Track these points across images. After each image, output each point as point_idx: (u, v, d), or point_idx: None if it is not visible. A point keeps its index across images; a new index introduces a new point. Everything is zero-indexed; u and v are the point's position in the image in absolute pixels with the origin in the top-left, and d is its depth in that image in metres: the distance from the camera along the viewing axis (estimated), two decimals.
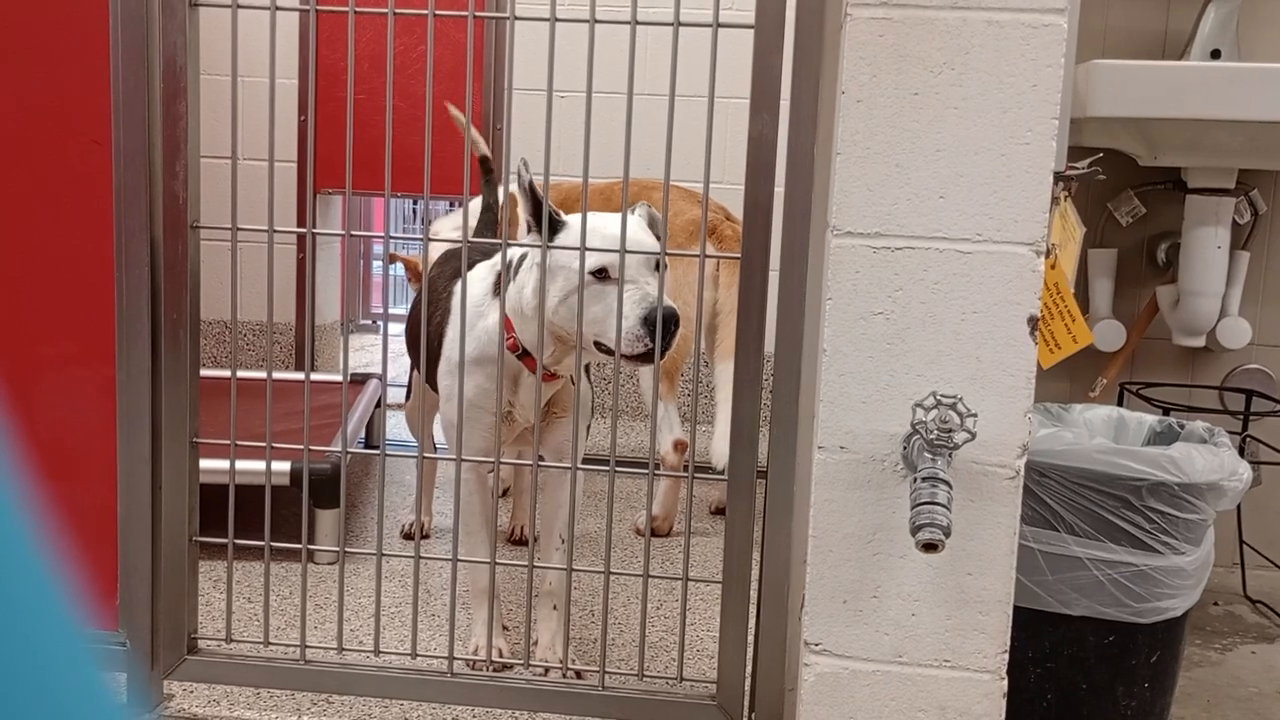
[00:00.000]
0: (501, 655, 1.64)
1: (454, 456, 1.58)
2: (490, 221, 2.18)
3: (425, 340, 1.66)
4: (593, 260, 1.48)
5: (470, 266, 1.71)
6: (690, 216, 2.33)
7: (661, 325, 1.45)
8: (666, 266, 1.54)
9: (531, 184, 1.49)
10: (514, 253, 1.62)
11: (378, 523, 1.56)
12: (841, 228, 1.23)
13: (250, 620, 1.79)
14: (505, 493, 2.46)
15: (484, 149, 2.16)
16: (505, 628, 1.77)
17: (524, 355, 1.62)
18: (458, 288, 1.64)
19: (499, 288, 1.60)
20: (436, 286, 1.79)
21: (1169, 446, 1.50)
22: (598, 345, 1.53)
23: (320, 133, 2.87)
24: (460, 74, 2.83)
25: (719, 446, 2.11)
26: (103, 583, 1.48)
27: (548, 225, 1.48)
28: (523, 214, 1.53)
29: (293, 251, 3.13)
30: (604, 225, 1.51)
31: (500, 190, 2.59)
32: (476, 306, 1.64)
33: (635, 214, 1.58)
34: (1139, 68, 1.90)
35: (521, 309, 1.58)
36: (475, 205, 2.55)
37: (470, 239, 1.49)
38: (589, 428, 1.90)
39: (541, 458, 1.62)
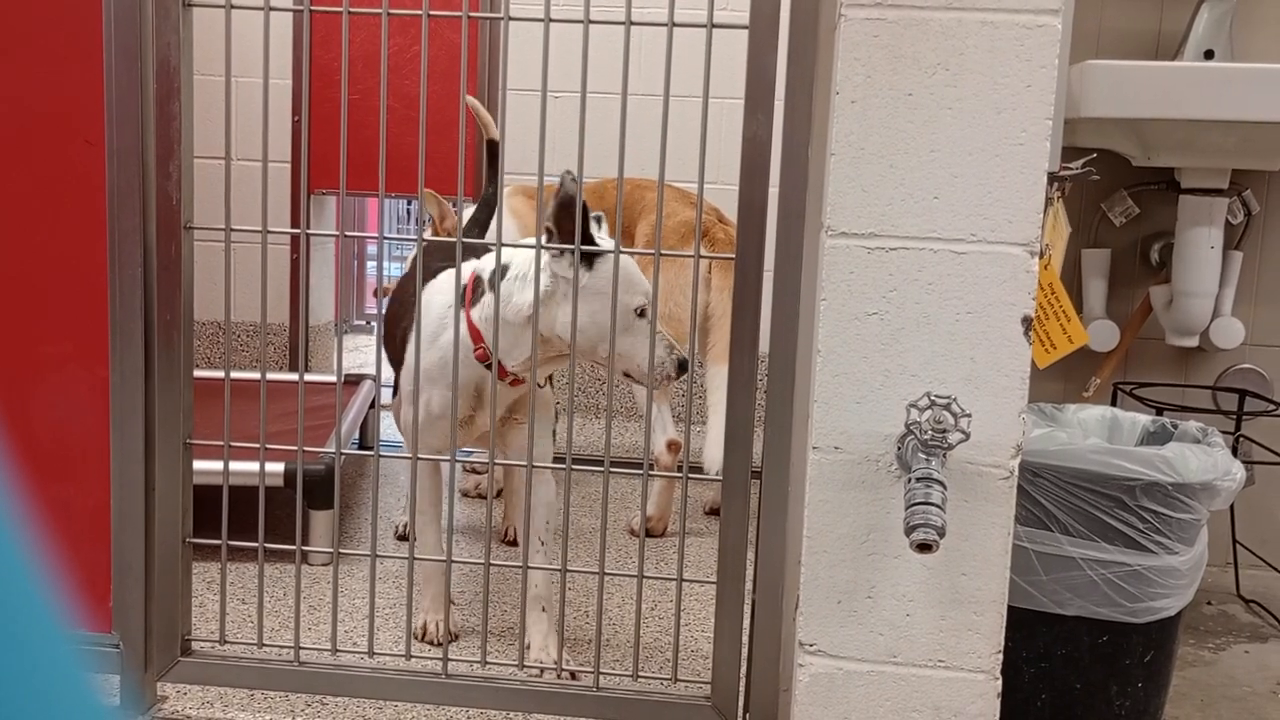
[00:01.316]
0: (448, 632, 1.66)
1: (442, 457, 1.57)
2: (486, 220, 2.16)
3: (383, 340, 1.71)
4: (639, 299, 1.60)
5: (434, 275, 1.73)
6: (682, 218, 2.33)
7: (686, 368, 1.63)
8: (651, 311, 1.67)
9: (568, 198, 1.50)
10: (484, 264, 1.63)
11: (371, 524, 1.56)
12: (836, 228, 1.23)
13: (244, 622, 1.79)
14: (498, 494, 2.45)
15: (494, 131, 2.12)
16: (453, 602, 1.83)
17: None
18: (424, 294, 1.67)
19: (464, 299, 1.62)
20: (407, 290, 1.79)
21: (1163, 446, 1.50)
22: (625, 373, 1.64)
23: (314, 133, 2.85)
24: (454, 74, 2.83)
25: (711, 451, 2.11)
26: (96, 584, 1.48)
27: (572, 252, 1.52)
28: (548, 224, 1.54)
29: (286, 252, 3.12)
30: (638, 271, 1.63)
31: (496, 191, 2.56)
32: (440, 319, 1.65)
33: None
34: (1133, 68, 1.90)
35: (506, 318, 1.58)
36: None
37: (464, 238, 1.49)
38: (554, 432, 1.99)
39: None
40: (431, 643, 1.74)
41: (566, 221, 1.51)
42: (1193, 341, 2.21)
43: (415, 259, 2.03)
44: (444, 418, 1.64)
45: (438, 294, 1.67)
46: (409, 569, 1.53)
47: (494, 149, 2.09)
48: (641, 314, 1.61)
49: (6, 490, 0.27)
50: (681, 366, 1.62)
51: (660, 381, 1.61)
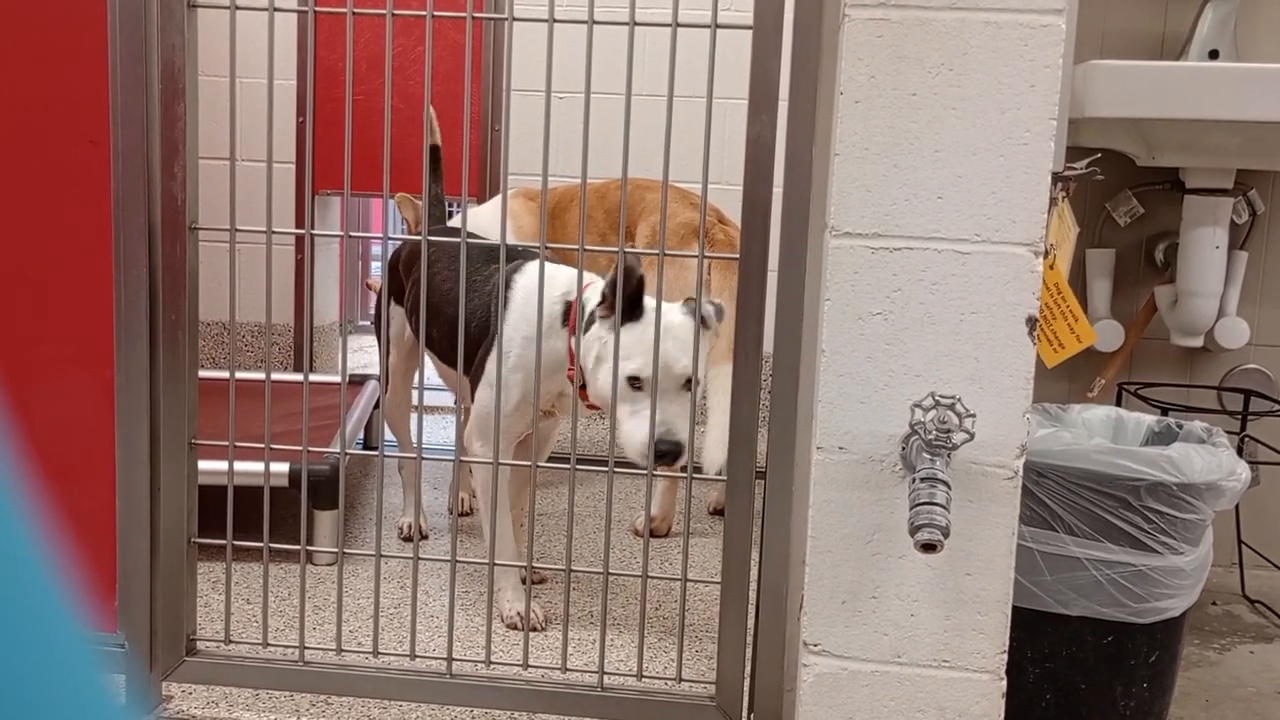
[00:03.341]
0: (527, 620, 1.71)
1: (445, 457, 1.57)
2: (438, 215, 2.22)
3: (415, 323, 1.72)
4: (631, 365, 1.60)
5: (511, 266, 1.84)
6: (682, 219, 2.33)
7: (657, 454, 1.56)
8: (699, 383, 1.66)
9: (629, 272, 1.59)
10: (591, 300, 1.71)
11: (376, 524, 1.56)
12: (840, 228, 1.23)
13: (249, 622, 1.79)
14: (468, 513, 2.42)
15: (438, 137, 2.25)
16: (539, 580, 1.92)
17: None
18: (518, 296, 1.77)
19: (567, 317, 1.72)
20: (482, 276, 1.87)
21: (1167, 446, 1.50)
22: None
23: (319, 134, 2.87)
24: (459, 75, 2.83)
25: (711, 452, 2.11)
26: (101, 584, 1.48)
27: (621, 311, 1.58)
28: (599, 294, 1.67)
29: (291, 253, 3.13)
30: (661, 329, 1.58)
31: (486, 196, 2.58)
32: (546, 324, 1.70)
33: (681, 313, 1.67)
34: (1137, 68, 1.90)
35: (583, 367, 1.69)
36: (491, 205, 2.56)
37: (467, 238, 1.49)
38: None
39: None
40: (535, 628, 1.82)
41: (613, 293, 1.62)
42: (1197, 341, 2.20)
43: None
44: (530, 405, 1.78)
45: (547, 301, 1.71)
46: (414, 569, 1.53)
47: (436, 153, 2.22)
48: (635, 385, 1.61)
49: (17, 490, 0.27)
50: (669, 455, 1.56)
51: (638, 458, 1.58)
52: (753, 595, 1.44)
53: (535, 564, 1.64)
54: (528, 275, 1.81)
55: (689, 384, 1.64)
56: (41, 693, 0.26)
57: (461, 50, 2.84)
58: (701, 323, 1.68)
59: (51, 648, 0.26)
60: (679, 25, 1.35)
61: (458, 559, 1.55)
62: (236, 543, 1.52)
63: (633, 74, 1.38)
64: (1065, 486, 1.46)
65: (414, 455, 1.58)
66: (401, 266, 2.11)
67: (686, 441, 1.58)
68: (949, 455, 1.19)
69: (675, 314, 1.66)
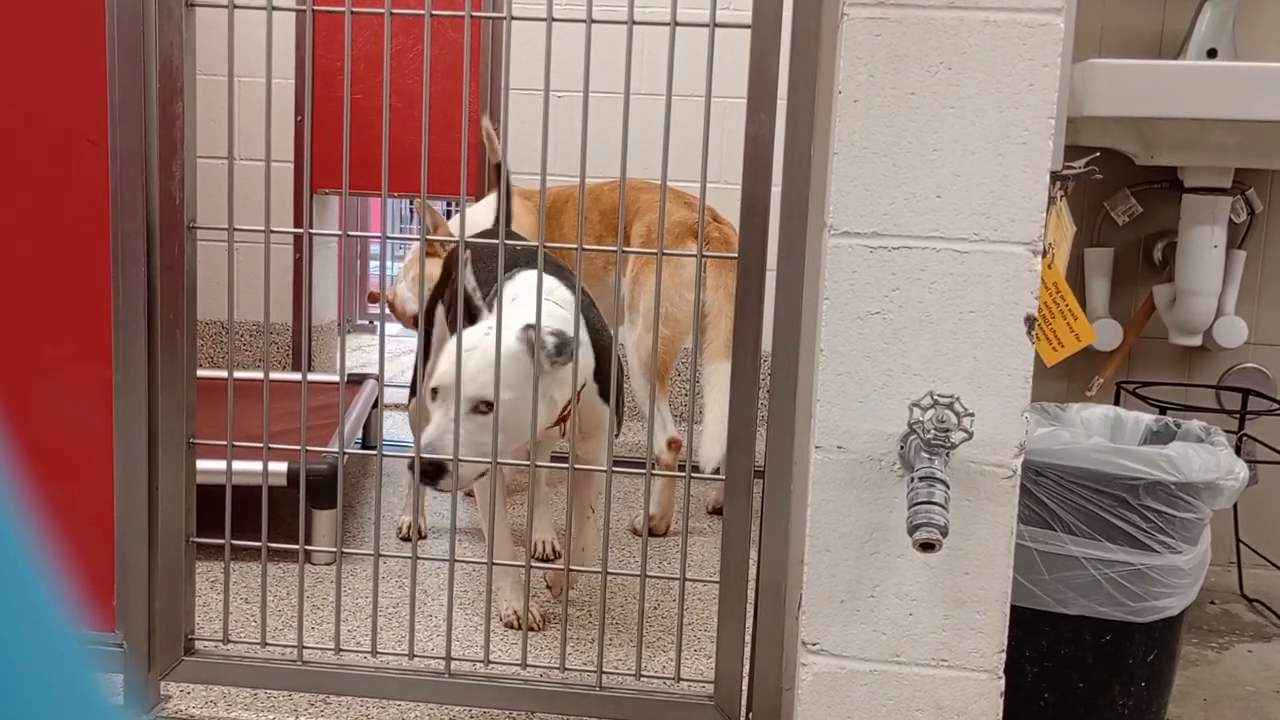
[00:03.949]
0: (528, 618, 1.74)
1: (445, 457, 1.58)
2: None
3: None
4: (433, 379, 1.61)
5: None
6: (677, 218, 2.33)
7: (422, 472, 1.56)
8: (493, 409, 1.59)
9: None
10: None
11: (374, 523, 1.56)
12: (838, 227, 1.23)
13: (247, 621, 1.79)
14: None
15: (498, 154, 2.25)
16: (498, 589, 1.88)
17: None
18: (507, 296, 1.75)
19: None
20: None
21: (1166, 446, 1.50)
22: None
23: (317, 133, 2.87)
24: (457, 74, 2.83)
25: (708, 449, 2.11)
26: (99, 584, 1.48)
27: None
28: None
29: (290, 252, 3.13)
30: (470, 341, 1.57)
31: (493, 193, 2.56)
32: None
33: (515, 338, 1.60)
34: (1135, 67, 1.90)
35: None
36: (487, 204, 2.57)
37: (468, 238, 1.49)
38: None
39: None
40: (533, 627, 1.83)
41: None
42: (1196, 341, 2.20)
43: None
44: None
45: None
46: (412, 568, 1.53)
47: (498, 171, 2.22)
48: (435, 397, 1.61)
49: (11, 490, 0.27)
50: (425, 474, 1.55)
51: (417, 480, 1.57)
52: (751, 594, 1.44)
53: (534, 564, 1.64)
54: (516, 285, 1.77)
55: (484, 406, 1.58)
56: (35, 693, 0.26)
57: (460, 49, 2.84)
58: (532, 352, 1.62)
59: (45, 647, 0.26)
60: (677, 24, 1.35)
61: (456, 558, 1.55)
62: (235, 542, 1.52)
63: (631, 73, 1.38)
64: (1064, 485, 1.46)
65: (414, 455, 1.58)
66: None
67: (449, 462, 1.52)
68: (947, 454, 1.19)
69: (505, 337, 1.59)
